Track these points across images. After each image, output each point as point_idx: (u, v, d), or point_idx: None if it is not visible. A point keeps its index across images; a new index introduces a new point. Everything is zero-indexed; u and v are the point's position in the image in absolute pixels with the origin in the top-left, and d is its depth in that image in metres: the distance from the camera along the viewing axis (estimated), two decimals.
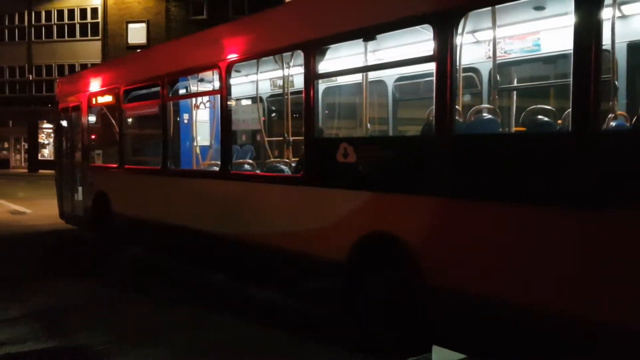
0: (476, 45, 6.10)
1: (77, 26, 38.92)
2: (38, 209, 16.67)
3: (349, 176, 5.32)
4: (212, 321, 6.14)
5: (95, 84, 10.73)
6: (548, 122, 4.72)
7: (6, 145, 44.73)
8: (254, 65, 7.45)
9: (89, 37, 38.56)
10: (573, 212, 3.72)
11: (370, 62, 6.19)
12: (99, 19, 38.17)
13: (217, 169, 7.51)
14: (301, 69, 6.01)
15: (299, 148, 6.30)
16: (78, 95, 11.32)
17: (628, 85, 5.23)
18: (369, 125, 6.17)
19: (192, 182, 8.04)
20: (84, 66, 33.11)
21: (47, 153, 40.80)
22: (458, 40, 4.56)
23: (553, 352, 3.88)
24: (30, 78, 39.79)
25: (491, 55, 5.35)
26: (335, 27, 5.61)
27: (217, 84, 7.70)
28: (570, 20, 3.79)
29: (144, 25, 36.86)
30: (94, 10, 38.39)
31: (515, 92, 6.44)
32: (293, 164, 6.89)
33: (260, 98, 8.38)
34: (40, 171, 38.41)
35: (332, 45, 5.82)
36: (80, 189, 11.32)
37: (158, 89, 8.52)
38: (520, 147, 4.20)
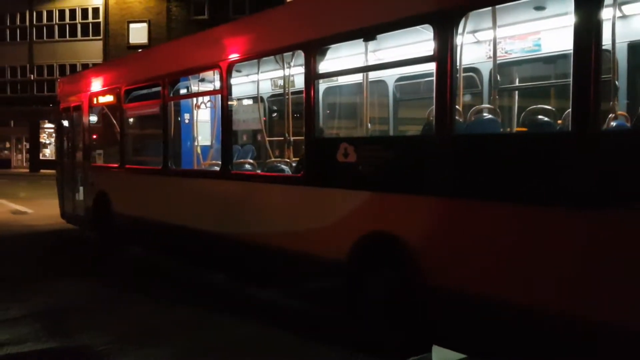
0: (477, 45, 6.09)
1: (79, 26, 38.94)
2: (39, 208, 16.68)
3: (350, 176, 5.32)
4: (212, 321, 6.14)
5: (96, 84, 10.74)
6: (548, 122, 4.72)
7: (7, 145, 44.77)
8: (254, 65, 7.44)
9: (90, 37, 38.58)
10: (573, 212, 3.71)
11: (371, 62, 6.19)
12: (100, 19, 38.18)
13: (217, 168, 7.51)
14: (302, 69, 6.01)
15: (300, 148, 6.30)
16: (79, 95, 11.32)
17: (629, 85, 5.22)
18: (369, 125, 6.17)
19: (192, 182, 8.05)
20: (85, 66, 33.16)
21: (48, 153, 40.82)
22: (458, 40, 4.56)
23: (553, 352, 3.88)
24: (32, 78, 39.82)
25: (491, 55, 5.35)
26: (335, 27, 5.62)
27: (217, 84, 7.70)
28: (570, 20, 3.79)
29: (145, 25, 36.88)
30: (95, 10, 38.41)
31: (516, 92, 6.43)
32: (294, 164, 6.89)
33: (261, 98, 8.38)
34: (42, 171, 38.44)
35: (332, 45, 5.82)
36: (81, 188, 11.33)
37: (159, 89, 8.53)
38: (520, 147, 4.20)
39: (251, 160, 7.90)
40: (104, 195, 10.15)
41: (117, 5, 37.52)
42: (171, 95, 8.72)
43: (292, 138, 7.32)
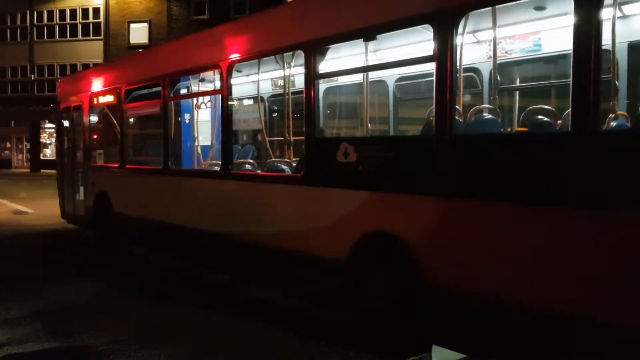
0: (477, 45, 6.09)
1: (79, 26, 38.98)
2: (40, 208, 16.68)
3: (350, 176, 5.32)
4: (212, 321, 6.14)
5: (96, 84, 10.75)
6: (548, 122, 4.72)
7: (8, 145, 44.82)
8: (255, 65, 7.45)
9: (91, 37, 38.61)
10: (572, 212, 3.71)
11: (371, 62, 6.19)
12: (101, 19, 38.21)
13: (218, 168, 7.51)
14: (302, 69, 6.01)
15: (300, 148, 6.30)
16: (79, 95, 11.33)
17: (629, 86, 5.22)
18: (369, 125, 6.17)
19: (193, 182, 8.05)
20: (85, 66, 33.15)
21: (49, 153, 40.85)
22: (458, 40, 4.56)
23: (553, 352, 3.88)
24: (32, 78, 39.84)
25: (491, 55, 5.35)
26: (335, 27, 5.62)
27: (218, 84, 7.70)
28: (570, 20, 3.79)
29: (145, 25, 36.89)
30: (96, 10, 38.43)
31: (515, 92, 6.43)
32: (294, 164, 6.89)
33: (262, 98, 8.38)
34: (42, 171, 38.47)
35: (332, 45, 5.82)
36: (81, 188, 11.33)
37: (159, 89, 8.53)
38: (519, 147, 4.21)
39: (251, 160, 7.90)
40: (104, 195, 10.15)
41: (117, 5, 37.54)
42: (171, 95, 8.72)
43: (292, 138, 7.33)
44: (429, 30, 4.69)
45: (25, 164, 43.15)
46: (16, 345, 5.37)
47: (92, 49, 37.95)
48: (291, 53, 6.74)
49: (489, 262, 4.23)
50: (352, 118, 8.54)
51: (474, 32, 5.80)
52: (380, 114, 7.95)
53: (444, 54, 4.50)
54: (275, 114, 9.78)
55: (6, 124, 43.01)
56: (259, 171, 7.36)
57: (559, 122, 4.76)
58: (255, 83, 8.04)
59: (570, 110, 3.79)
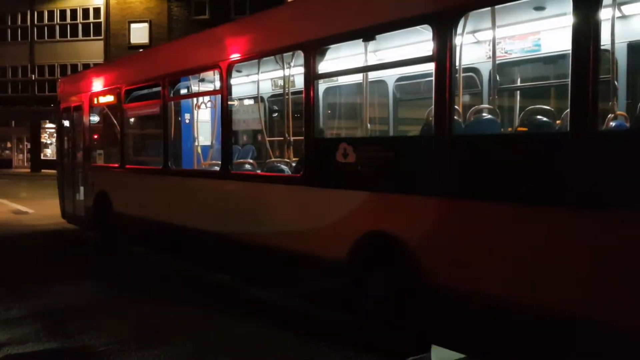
0: (476, 45, 6.09)
1: (80, 26, 38.97)
2: (40, 208, 16.70)
3: (349, 176, 5.33)
4: (213, 321, 6.14)
5: (96, 84, 10.75)
6: (546, 122, 4.72)
7: (9, 145, 44.86)
8: (255, 65, 7.45)
9: (91, 37, 38.61)
10: (573, 212, 3.71)
11: (371, 62, 6.19)
12: (101, 19, 38.21)
13: (217, 168, 7.52)
14: (302, 69, 6.01)
15: (300, 148, 6.30)
16: (80, 95, 11.34)
17: (628, 86, 5.22)
18: (369, 125, 6.17)
19: (192, 182, 8.05)
20: (86, 66, 33.16)
21: (49, 153, 40.86)
22: (457, 40, 4.56)
23: (553, 352, 3.88)
24: (33, 78, 39.85)
25: (491, 55, 5.35)
26: (335, 28, 5.62)
27: (218, 84, 7.71)
28: (569, 20, 3.78)
29: (146, 25, 36.89)
30: (96, 10, 38.43)
31: (515, 92, 6.43)
32: (293, 164, 6.89)
33: (262, 98, 8.38)
34: (43, 171, 38.48)
35: (332, 46, 5.82)
36: (81, 188, 11.34)
37: (159, 89, 8.53)
38: (518, 147, 4.21)
39: (251, 160, 7.90)
40: (104, 195, 10.16)
41: (118, 5, 37.54)
42: (171, 95, 8.72)
43: (292, 138, 7.33)
44: (428, 31, 4.69)
45: (25, 164, 43.17)
46: (16, 345, 5.38)
47: (93, 49, 37.95)
48: (291, 53, 6.74)
49: (489, 262, 4.23)
50: (352, 118, 8.55)
51: (473, 32, 5.79)
52: (380, 114, 7.95)
53: (443, 54, 4.50)
54: (275, 114, 9.78)
55: (7, 124, 43.03)
56: (258, 171, 7.36)
57: (557, 122, 4.76)
58: (255, 83, 8.05)
59: (569, 110, 3.79)
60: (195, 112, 9.26)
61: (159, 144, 8.75)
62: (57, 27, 39.62)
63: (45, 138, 42.34)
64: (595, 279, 3.63)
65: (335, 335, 5.58)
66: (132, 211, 9.35)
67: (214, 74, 8.04)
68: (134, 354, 5.15)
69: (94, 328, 5.83)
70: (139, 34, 36.88)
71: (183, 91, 9.46)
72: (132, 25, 37.26)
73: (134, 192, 9.45)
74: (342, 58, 6.43)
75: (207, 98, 8.55)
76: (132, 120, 10.37)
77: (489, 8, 4.65)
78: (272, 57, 6.98)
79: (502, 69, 6.09)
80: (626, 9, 4.87)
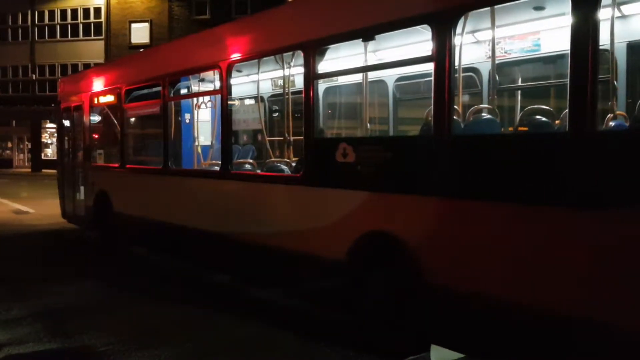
0: (476, 45, 6.09)
1: (80, 26, 38.97)
2: (41, 208, 16.71)
3: (349, 176, 5.32)
4: (213, 321, 6.15)
5: (97, 84, 10.76)
6: (546, 122, 4.71)
7: (9, 144, 44.85)
8: (255, 65, 7.45)
9: (92, 37, 38.60)
10: (572, 212, 3.71)
11: (370, 62, 6.19)
12: (102, 19, 38.21)
13: (217, 168, 7.52)
14: (302, 69, 6.01)
15: (300, 148, 6.30)
16: (80, 95, 11.35)
17: (628, 86, 5.22)
18: (369, 125, 6.17)
19: (193, 182, 8.06)
20: (86, 66, 33.16)
21: (50, 153, 40.88)
22: (457, 40, 4.55)
23: (553, 352, 3.88)
24: (34, 78, 39.87)
25: (490, 55, 5.35)
26: (334, 28, 5.62)
27: (218, 84, 7.71)
28: (569, 20, 3.78)
29: (146, 24, 36.89)
30: (97, 10, 38.43)
31: (514, 92, 6.43)
32: (293, 164, 6.89)
33: (262, 98, 8.38)
34: (44, 171, 38.50)
35: (331, 46, 5.82)
36: (82, 188, 11.35)
37: (159, 89, 8.53)
38: (517, 147, 4.21)
39: (251, 160, 7.90)
40: (105, 195, 10.16)
41: (118, 5, 37.54)
42: (171, 95, 8.73)
43: (292, 138, 7.33)
44: (427, 31, 4.69)
45: (26, 164, 43.18)
46: (17, 345, 5.38)
47: (93, 49, 37.96)
48: (291, 53, 6.74)
49: (489, 262, 4.23)
50: (351, 118, 8.55)
51: (473, 32, 5.79)
52: (380, 114, 7.96)
53: (442, 55, 4.50)
54: (276, 114, 9.78)
55: (7, 124, 43.04)
56: (258, 171, 7.36)
57: (557, 122, 4.76)
58: (255, 83, 8.05)
59: (567, 110, 3.79)
60: (195, 112, 9.26)
61: (159, 143, 8.75)
62: (58, 27, 39.63)
63: (45, 138, 42.34)
64: (595, 279, 3.63)
65: (335, 335, 5.59)
66: (132, 211, 9.35)
67: (214, 74, 8.05)
68: (134, 354, 5.15)
69: (94, 328, 5.83)
70: (140, 33, 36.89)
71: (183, 91, 9.47)
72: (133, 25, 37.27)
73: (134, 192, 9.46)
74: (341, 58, 6.43)
75: (207, 98, 8.55)
76: (132, 120, 10.37)
77: (489, 8, 4.65)
78: (272, 57, 6.98)
79: (501, 68, 6.09)
80: (626, 8, 4.86)
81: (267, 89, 9.09)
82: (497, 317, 4.18)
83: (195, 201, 7.76)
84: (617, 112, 4.57)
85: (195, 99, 9.01)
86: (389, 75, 7.57)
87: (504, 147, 4.33)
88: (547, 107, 5.11)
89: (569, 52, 3.76)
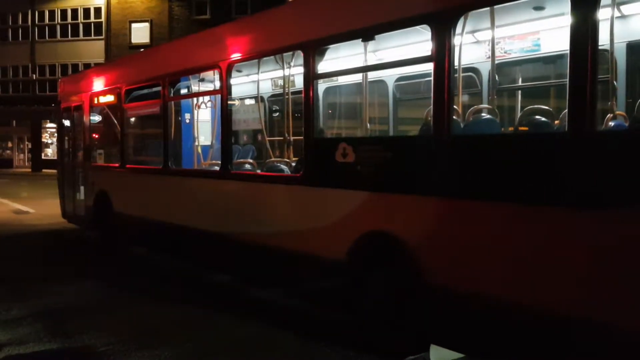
0: (476, 45, 6.09)
1: (81, 26, 38.97)
2: (41, 208, 16.71)
3: (348, 176, 5.33)
4: (213, 321, 6.15)
5: (97, 84, 10.76)
6: (545, 122, 4.72)
7: (10, 144, 44.85)
8: (255, 65, 7.45)
9: (92, 37, 38.61)
10: (572, 212, 3.71)
11: (370, 62, 6.19)
12: (102, 19, 38.22)
13: (217, 168, 7.52)
14: (302, 69, 6.01)
15: (300, 148, 6.31)
16: (80, 95, 11.35)
17: (627, 85, 5.22)
18: (368, 125, 6.17)
19: (193, 182, 8.06)
20: (87, 66, 33.17)
21: (50, 152, 40.89)
22: (456, 40, 4.55)
23: (553, 352, 3.88)
24: (34, 77, 39.87)
25: (490, 55, 5.35)
26: (334, 28, 5.62)
27: (218, 84, 7.71)
28: (568, 19, 3.78)
29: (147, 24, 36.90)
30: (97, 10, 38.44)
31: (514, 92, 6.43)
32: (293, 164, 6.90)
33: (262, 98, 8.38)
34: (44, 171, 38.50)
35: (331, 46, 5.82)
36: (82, 188, 11.35)
37: (159, 88, 8.53)
38: (517, 147, 4.21)
39: (251, 160, 7.90)
40: (105, 194, 10.17)
41: (118, 4, 37.55)
42: (171, 95, 8.73)
43: (292, 138, 7.33)
44: (427, 30, 4.69)
45: (26, 164, 43.18)
46: (17, 345, 5.38)
47: (94, 49, 37.97)
48: (291, 53, 6.74)
49: (489, 262, 4.23)
50: (351, 118, 8.55)
51: (473, 32, 5.79)
52: (380, 114, 7.96)
53: (442, 55, 4.50)
54: (276, 114, 9.78)
55: (8, 124, 43.03)
56: (258, 171, 7.36)
57: (556, 122, 4.76)
58: (255, 83, 8.05)
59: (567, 110, 3.79)
60: (195, 111, 9.26)
61: (159, 143, 8.75)
62: (58, 27, 39.63)
63: (46, 138, 42.35)
64: (594, 279, 3.63)
65: (335, 335, 5.59)
66: (132, 211, 9.36)
67: (214, 74, 8.05)
68: (134, 354, 5.16)
69: (94, 328, 5.83)
70: (140, 33, 36.90)
71: (183, 91, 9.47)
72: (133, 25, 37.27)
73: (134, 191, 9.46)
74: (341, 58, 6.43)
75: (207, 98, 8.55)
76: (132, 120, 10.37)
77: (488, 8, 4.65)
78: (272, 57, 6.98)
79: (501, 68, 6.09)
80: (625, 8, 4.86)
81: (267, 89, 9.09)
82: (497, 317, 4.18)
83: (195, 201, 7.76)
84: (617, 112, 4.57)
85: (195, 99, 9.01)
86: (389, 75, 7.57)
87: (504, 147, 4.33)
88: (546, 107, 5.11)
89: (568, 52, 3.76)
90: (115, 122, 9.98)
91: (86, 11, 38.79)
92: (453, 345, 4.65)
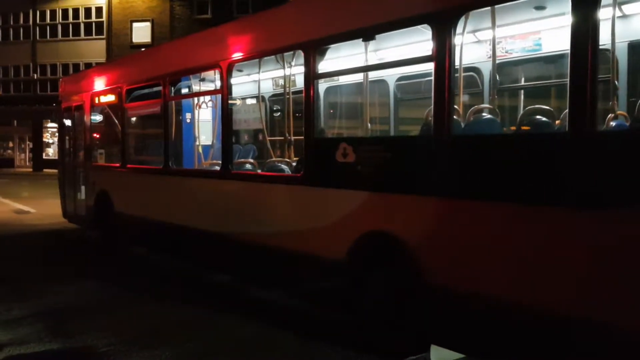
0: (477, 44, 6.08)
1: (82, 25, 38.98)
2: (42, 208, 16.72)
3: (349, 176, 5.32)
4: (213, 321, 6.14)
5: (97, 84, 10.76)
6: (545, 122, 4.71)
7: (11, 144, 44.87)
8: (255, 65, 7.44)
9: (94, 36, 38.64)
10: (572, 212, 3.71)
11: (371, 62, 6.18)
12: (104, 18, 38.25)
13: (218, 168, 7.52)
14: (303, 69, 6.00)
15: (300, 148, 6.30)
16: (81, 95, 11.36)
17: (629, 85, 5.21)
18: (369, 125, 6.17)
19: (193, 182, 8.05)
20: (88, 65, 33.18)
21: (51, 152, 40.91)
22: (457, 40, 4.55)
23: (552, 352, 3.88)
24: (35, 77, 39.89)
25: (491, 54, 5.34)
26: (334, 27, 5.61)
27: (218, 84, 7.71)
28: (569, 19, 3.78)
29: (148, 24, 36.92)
30: (99, 10, 38.46)
31: (515, 92, 6.42)
32: (294, 164, 6.89)
33: (263, 97, 8.37)
34: (45, 170, 38.52)
35: (332, 45, 5.82)
36: (83, 188, 11.35)
37: (160, 88, 8.53)
38: (517, 147, 4.20)
39: (252, 160, 7.90)
40: (105, 194, 10.17)
41: (120, 4, 37.57)
42: (172, 94, 8.72)
43: (292, 138, 7.33)
44: (428, 30, 4.68)
45: (27, 164, 43.21)
46: (18, 345, 5.38)
47: (95, 49, 37.99)
48: (291, 53, 6.74)
49: (489, 262, 4.22)
50: (352, 118, 8.54)
51: (473, 31, 5.78)
52: (381, 114, 7.95)
53: (442, 54, 4.49)
54: (278, 114, 9.78)
55: (9, 124, 43.05)
56: (259, 171, 7.36)
57: (557, 122, 4.76)
58: (256, 83, 8.04)
59: (567, 110, 3.78)
60: (196, 111, 9.26)
61: (159, 143, 8.75)
62: (60, 27, 39.63)
63: (47, 137, 42.37)
64: (594, 279, 3.62)
65: (335, 335, 5.59)
66: (132, 211, 9.36)
67: (215, 74, 8.05)
68: (136, 354, 5.15)
69: (95, 328, 5.83)
70: (141, 33, 36.91)
71: (184, 91, 9.47)
72: (134, 25, 37.30)
73: (135, 191, 9.46)
74: (342, 58, 6.42)
75: (207, 97, 8.55)
76: (133, 119, 10.37)
77: (489, 8, 4.64)
78: (273, 56, 6.97)
79: (502, 68, 6.08)
80: (627, 8, 4.85)
81: (268, 88, 9.09)
82: (497, 317, 4.17)
83: (196, 201, 7.75)
84: (618, 111, 4.56)
85: (196, 99, 9.01)
86: (390, 75, 7.56)
87: (504, 147, 4.32)
88: (547, 107, 5.10)
89: (569, 51, 3.75)
90: (116, 121, 9.98)
91: (87, 11, 38.82)
92: (453, 346, 4.65)
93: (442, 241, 4.55)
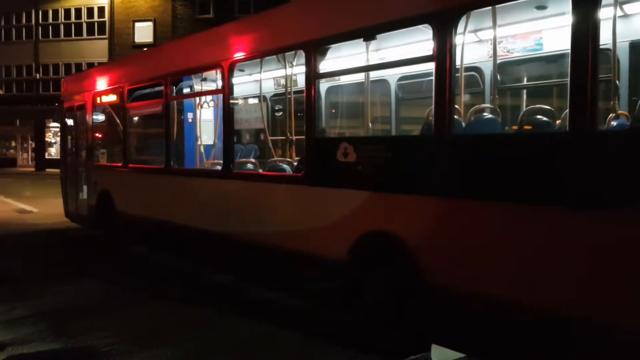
0: (478, 44, 6.07)
1: (84, 25, 39.02)
2: (44, 207, 16.75)
3: (350, 176, 5.32)
4: (213, 321, 6.15)
5: (99, 83, 10.77)
6: (546, 121, 4.70)
7: (13, 144, 44.97)
8: (257, 65, 7.44)
9: (96, 36, 38.67)
10: (572, 212, 3.70)
11: (372, 62, 6.18)
12: (106, 18, 38.27)
13: (220, 168, 7.52)
14: (304, 68, 6.00)
15: (302, 147, 6.30)
16: (83, 95, 11.37)
17: (630, 85, 5.20)
18: (370, 125, 6.16)
19: (195, 181, 8.06)
20: (90, 65, 33.21)
21: (53, 152, 40.96)
22: (458, 39, 4.54)
23: (552, 352, 3.87)
24: (37, 77, 39.94)
25: (492, 54, 5.34)
26: (335, 27, 5.61)
27: (220, 83, 7.71)
28: (570, 19, 3.77)
29: (150, 24, 36.93)
30: (101, 9, 38.49)
31: (516, 91, 6.41)
32: (295, 163, 6.89)
33: (264, 97, 8.37)
34: (47, 170, 38.57)
35: (332, 45, 5.81)
36: (85, 187, 11.37)
37: (162, 88, 8.54)
38: (517, 147, 4.20)
39: (253, 160, 7.90)
40: (107, 194, 10.18)
41: (122, 4, 37.59)
42: (174, 94, 8.73)
43: (294, 137, 7.33)
44: (429, 30, 4.68)
45: (30, 163, 43.29)
46: (20, 345, 5.40)
47: (97, 48, 38.03)
48: (293, 52, 6.74)
49: (489, 262, 4.22)
50: (353, 118, 8.54)
51: (474, 31, 5.77)
52: (382, 114, 7.94)
53: (443, 54, 4.49)
54: (279, 113, 9.77)
55: (11, 123, 43.16)
56: (260, 171, 7.36)
57: (558, 122, 4.75)
58: (257, 82, 8.04)
59: (568, 110, 3.78)
60: (197, 111, 9.26)
61: (161, 143, 8.75)
62: (62, 26, 39.69)
63: (49, 137, 42.43)
64: (594, 279, 3.62)
65: (335, 335, 5.59)
66: (134, 210, 9.36)
67: (217, 73, 8.04)
68: (137, 354, 5.16)
69: (96, 328, 5.84)
70: (143, 32, 36.91)
71: (185, 90, 9.47)
72: (137, 24, 37.31)
73: (137, 191, 9.47)
74: (343, 57, 6.42)
75: (209, 97, 8.55)
76: (134, 119, 10.39)
77: (490, 7, 4.64)
78: (274, 56, 6.97)
79: (503, 68, 6.07)
80: (628, 8, 4.85)
81: (269, 88, 9.09)
82: (497, 317, 4.17)
83: (197, 201, 7.76)
84: (619, 111, 4.55)
85: (197, 99, 9.01)
86: (392, 75, 7.55)
87: (505, 147, 4.32)
88: (547, 107, 5.09)
89: (569, 51, 3.74)
90: (118, 121, 9.98)
91: (90, 10, 38.86)
92: (453, 346, 4.64)
93: (442, 241, 4.55)
